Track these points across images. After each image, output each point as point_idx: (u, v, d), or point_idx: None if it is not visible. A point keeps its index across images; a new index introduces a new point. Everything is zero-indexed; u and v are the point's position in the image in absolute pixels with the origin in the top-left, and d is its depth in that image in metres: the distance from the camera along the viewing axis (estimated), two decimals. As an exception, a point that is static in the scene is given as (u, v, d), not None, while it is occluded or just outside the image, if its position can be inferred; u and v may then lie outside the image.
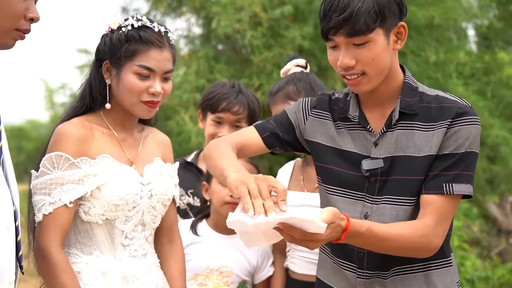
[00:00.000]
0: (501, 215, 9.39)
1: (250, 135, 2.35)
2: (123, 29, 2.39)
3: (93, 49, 2.55)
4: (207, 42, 7.79)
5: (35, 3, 1.99)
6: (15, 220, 1.97)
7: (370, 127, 2.24)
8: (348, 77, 2.16)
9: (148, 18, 2.43)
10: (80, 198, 2.33)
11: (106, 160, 2.37)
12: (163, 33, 2.41)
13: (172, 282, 2.53)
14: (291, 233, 1.88)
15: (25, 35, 1.98)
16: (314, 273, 2.89)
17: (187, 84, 7.04)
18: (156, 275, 2.47)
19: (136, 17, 2.42)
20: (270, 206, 1.86)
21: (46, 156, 2.32)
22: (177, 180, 2.60)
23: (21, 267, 2.01)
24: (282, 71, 3.17)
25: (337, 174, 2.26)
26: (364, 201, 2.22)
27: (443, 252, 2.26)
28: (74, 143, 2.32)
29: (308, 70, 3.18)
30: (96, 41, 2.48)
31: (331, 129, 2.30)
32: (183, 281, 2.56)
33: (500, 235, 9.23)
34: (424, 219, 2.13)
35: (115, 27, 2.41)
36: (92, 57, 7.01)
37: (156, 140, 2.59)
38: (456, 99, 2.20)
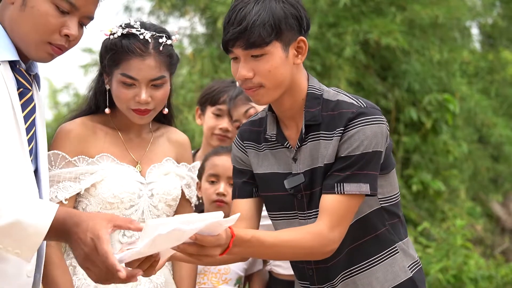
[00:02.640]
0: (505, 214, 9.39)
1: (236, 207, 2.33)
2: (111, 37, 2.38)
3: (97, 48, 2.56)
4: (211, 41, 7.80)
5: (85, 26, 1.96)
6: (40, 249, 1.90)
7: (288, 143, 2.25)
8: (247, 89, 2.18)
9: (141, 23, 2.40)
10: (78, 195, 2.37)
11: (105, 159, 2.40)
12: (150, 40, 2.36)
13: (180, 283, 2.53)
14: (204, 242, 1.84)
15: (62, 51, 1.94)
16: None
17: (191, 84, 7.04)
18: (157, 273, 2.47)
19: (125, 24, 2.40)
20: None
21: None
22: (190, 180, 2.59)
23: None
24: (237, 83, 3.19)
25: (270, 199, 2.30)
26: (298, 218, 2.25)
27: (388, 243, 2.26)
28: (72, 142, 2.37)
29: None
30: (100, 41, 2.48)
31: (258, 155, 2.32)
32: (192, 283, 2.56)
33: (504, 234, 9.23)
34: (319, 223, 2.12)
35: (108, 34, 2.40)
36: (95, 56, 7.01)
37: (171, 139, 2.57)
38: (352, 102, 2.18)
